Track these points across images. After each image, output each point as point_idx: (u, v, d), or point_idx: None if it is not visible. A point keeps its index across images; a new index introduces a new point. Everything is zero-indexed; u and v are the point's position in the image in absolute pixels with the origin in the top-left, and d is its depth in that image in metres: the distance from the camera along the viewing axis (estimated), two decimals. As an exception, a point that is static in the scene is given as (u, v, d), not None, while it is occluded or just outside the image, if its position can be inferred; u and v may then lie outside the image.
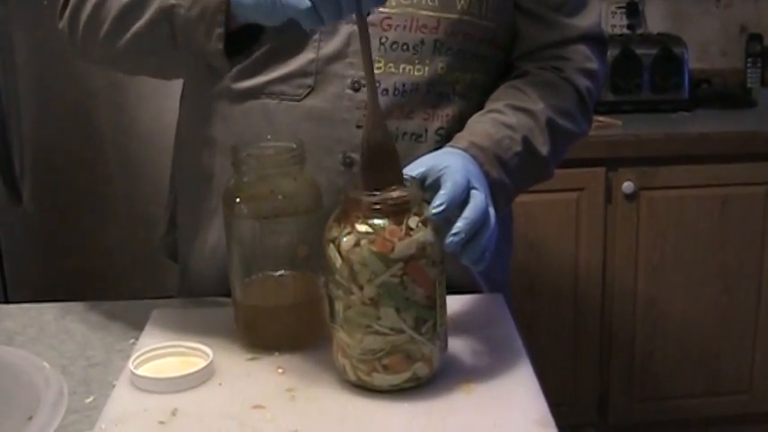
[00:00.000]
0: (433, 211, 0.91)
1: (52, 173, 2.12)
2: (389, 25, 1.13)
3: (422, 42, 1.14)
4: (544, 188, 2.28)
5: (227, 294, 1.07)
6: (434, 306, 0.92)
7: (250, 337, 1.05)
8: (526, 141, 1.12)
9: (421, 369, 0.93)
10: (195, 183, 1.24)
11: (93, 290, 1.79)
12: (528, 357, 1.02)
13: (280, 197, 1.00)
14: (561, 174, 2.27)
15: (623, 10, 2.78)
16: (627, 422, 2.49)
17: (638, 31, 2.78)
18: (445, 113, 1.16)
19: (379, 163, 0.94)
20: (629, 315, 2.41)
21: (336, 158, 1.13)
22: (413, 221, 0.90)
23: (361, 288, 0.90)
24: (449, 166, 0.96)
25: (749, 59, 2.75)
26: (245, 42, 1.03)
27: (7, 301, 2.07)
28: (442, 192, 0.93)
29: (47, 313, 1.21)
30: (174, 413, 0.91)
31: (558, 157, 1.20)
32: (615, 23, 2.79)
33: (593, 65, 1.22)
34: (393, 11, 1.13)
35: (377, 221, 0.89)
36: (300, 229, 1.01)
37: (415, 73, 1.14)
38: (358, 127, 1.12)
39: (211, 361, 0.98)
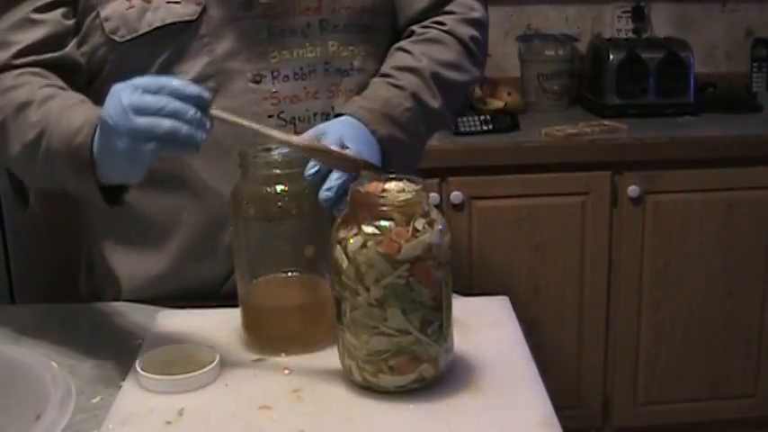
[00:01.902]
0: (308, 171, 0.98)
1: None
2: (274, 14, 1.17)
3: (308, 25, 1.18)
4: (550, 191, 2.31)
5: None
6: (440, 307, 0.93)
7: (257, 338, 1.05)
8: (415, 97, 1.19)
9: (427, 370, 0.93)
10: (119, 217, 1.21)
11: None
12: (533, 360, 1.02)
13: (287, 198, 1.01)
14: (567, 177, 2.31)
15: (629, 14, 2.78)
16: (631, 426, 2.49)
17: (644, 35, 2.78)
18: (348, 88, 1.22)
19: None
20: (633, 318, 2.40)
21: None
22: (419, 223, 0.90)
23: (367, 289, 0.90)
24: (326, 132, 1.04)
25: (755, 64, 2.76)
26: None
27: (14, 302, 2.08)
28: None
29: (54, 314, 1.21)
30: (180, 413, 0.92)
31: (451, 105, 1.26)
32: (621, 27, 2.79)
33: (477, 14, 1.29)
34: (274, 0, 1.16)
35: (383, 223, 0.90)
36: (307, 230, 1.02)
37: (309, 55, 1.19)
38: (269, 117, 1.17)
39: (218, 361, 0.99)
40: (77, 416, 0.91)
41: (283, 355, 1.03)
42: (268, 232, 1.02)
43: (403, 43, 1.25)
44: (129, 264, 1.25)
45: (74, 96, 1.11)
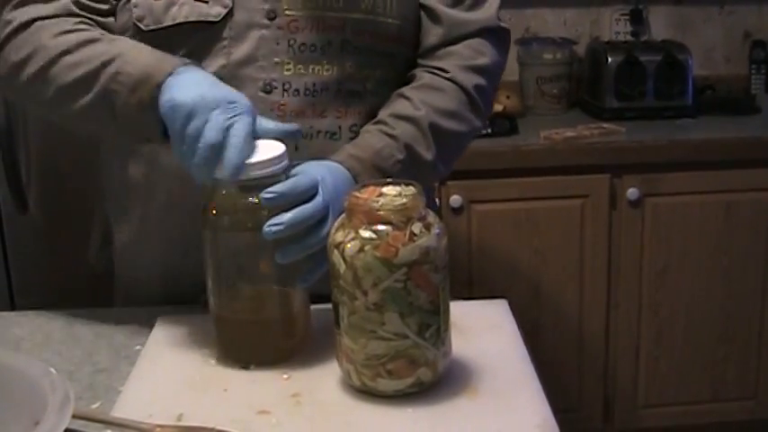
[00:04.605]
0: (264, 195, 0.96)
1: (58, 180, 2.13)
2: (297, 27, 1.16)
3: (329, 43, 1.17)
4: (549, 195, 2.31)
5: (172, 302, 1.14)
6: (438, 311, 0.93)
7: (226, 349, 1.04)
8: (409, 148, 1.15)
9: (425, 374, 0.93)
10: (125, 195, 1.25)
11: (98, 297, 1.80)
12: (532, 363, 1.02)
13: (260, 210, 0.97)
14: (566, 180, 2.31)
15: (627, 17, 2.79)
16: (632, 428, 2.49)
17: (642, 38, 2.78)
18: (357, 111, 1.20)
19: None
20: (633, 321, 2.41)
21: None
22: (416, 227, 0.90)
23: (365, 293, 0.90)
24: (304, 171, 1.01)
25: (753, 66, 2.76)
26: None
27: (14, 308, 2.08)
28: (280, 184, 0.97)
29: (53, 320, 1.21)
30: (179, 419, 0.92)
31: (448, 157, 1.23)
32: (619, 30, 2.79)
33: (485, 59, 1.24)
34: (299, 13, 1.16)
35: (381, 227, 0.90)
36: (277, 242, 0.98)
37: (324, 73, 1.17)
38: None
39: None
40: (76, 422, 0.91)
41: (252, 367, 1.01)
42: (240, 243, 1.00)
43: (404, 89, 1.21)
44: (125, 239, 1.27)
45: None
